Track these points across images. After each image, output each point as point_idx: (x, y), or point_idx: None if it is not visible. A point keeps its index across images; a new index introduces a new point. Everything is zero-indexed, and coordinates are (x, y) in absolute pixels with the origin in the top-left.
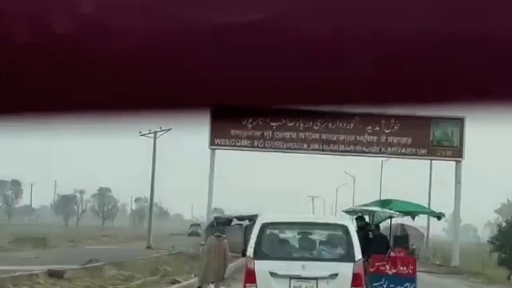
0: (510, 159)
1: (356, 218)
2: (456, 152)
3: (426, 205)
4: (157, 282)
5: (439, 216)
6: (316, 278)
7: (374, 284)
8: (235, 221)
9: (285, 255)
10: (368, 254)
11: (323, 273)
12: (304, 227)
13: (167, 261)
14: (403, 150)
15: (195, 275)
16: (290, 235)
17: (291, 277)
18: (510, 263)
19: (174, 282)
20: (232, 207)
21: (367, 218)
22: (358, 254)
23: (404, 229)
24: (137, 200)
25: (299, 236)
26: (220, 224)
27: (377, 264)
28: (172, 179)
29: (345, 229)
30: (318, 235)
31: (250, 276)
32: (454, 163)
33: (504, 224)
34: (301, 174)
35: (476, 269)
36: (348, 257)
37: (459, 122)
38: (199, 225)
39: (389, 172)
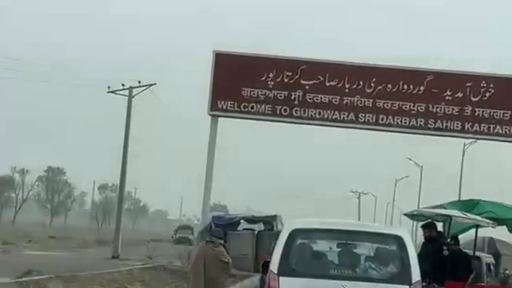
0: None
1: (424, 226)
2: None
3: None
4: None
5: None
6: None
7: None
8: (243, 224)
9: (320, 272)
10: (440, 280)
11: None
12: (346, 237)
13: (140, 277)
14: (497, 129)
15: None
16: (327, 246)
17: None
18: None
19: None
20: (240, 204)
21: (440, 226)
22: (416, 275)
23: (494, 245)
24: (101, 187)
25: (339, 249)
26: (221, 227)
27: None
28: (153, 159)
29: (399, 241)
30: (364, 248)
31: None
32: None
33: None
34: (343, 159)
35: None
36: (402, 278)
37: None
38: (191, 228)
39: (475, 160)
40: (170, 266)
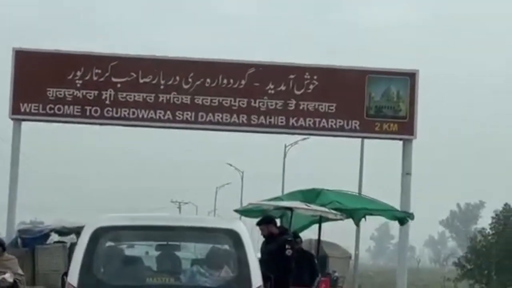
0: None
1: (259, 222)
2: (404, 126)
3: None
4: None
5: (403, 219)
6: None
7: None
8: (54, 237)
9: (134, 282)
10: (284, 285)
11: None
12: (167, 235)
13: None
14: (323, 123)
15: None
16: (143, 249)
17: None
18: None
19: None
20: (49, 217)
21: (279, 222)
22: (257, 279)
23: (320, 247)
24: None
25: (159, 251)
26: (29, 241)
27: None
28: None
29: (234, 238)
30: (190, 249)
31: None
32: (401, 142)
33: (480, 239)
34: (160, 165)
35: None
36: (240, 283)
37: (409, 78)
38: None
39: (298, 161)
40: None
